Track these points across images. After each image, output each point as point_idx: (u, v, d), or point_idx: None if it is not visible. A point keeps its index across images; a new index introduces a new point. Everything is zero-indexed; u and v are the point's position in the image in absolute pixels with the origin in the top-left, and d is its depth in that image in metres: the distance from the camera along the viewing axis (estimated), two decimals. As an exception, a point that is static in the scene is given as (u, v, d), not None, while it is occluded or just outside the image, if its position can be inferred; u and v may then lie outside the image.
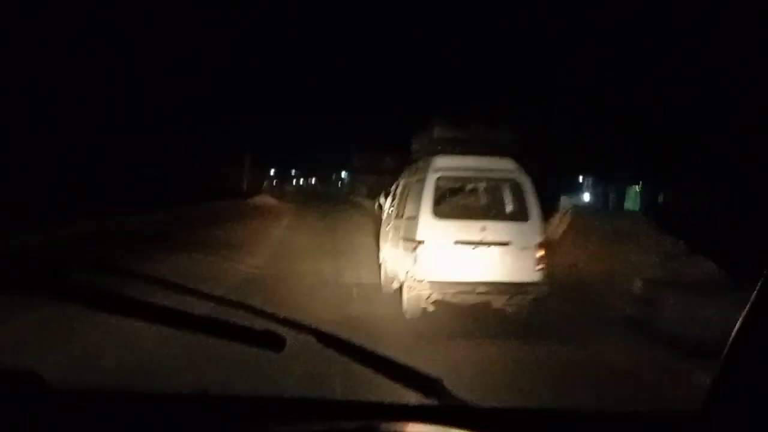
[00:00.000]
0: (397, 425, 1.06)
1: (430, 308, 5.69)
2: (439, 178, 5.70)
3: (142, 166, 22.45)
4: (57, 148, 16.65)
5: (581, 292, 7.42)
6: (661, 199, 22.04)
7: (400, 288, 5.99)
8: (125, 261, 7.26)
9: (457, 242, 5.51)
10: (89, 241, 9.89)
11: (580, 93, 20.59)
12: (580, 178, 26.00)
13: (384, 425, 1.05)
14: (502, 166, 5.90)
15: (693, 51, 16.54)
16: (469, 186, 6.28)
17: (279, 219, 18.53)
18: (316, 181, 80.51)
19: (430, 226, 5.53)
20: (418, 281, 5.49)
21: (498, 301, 5.74)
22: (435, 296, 5.59)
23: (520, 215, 5.73)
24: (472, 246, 5.51)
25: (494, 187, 6.28)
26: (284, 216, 19.92)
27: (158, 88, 22.15)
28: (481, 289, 5.55)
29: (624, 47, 19.11)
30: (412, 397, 1.01)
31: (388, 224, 7.32)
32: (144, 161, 23.09)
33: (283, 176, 64.67)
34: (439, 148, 6.16)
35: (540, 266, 5.52)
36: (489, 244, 5.53)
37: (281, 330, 0.97)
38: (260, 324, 0.99)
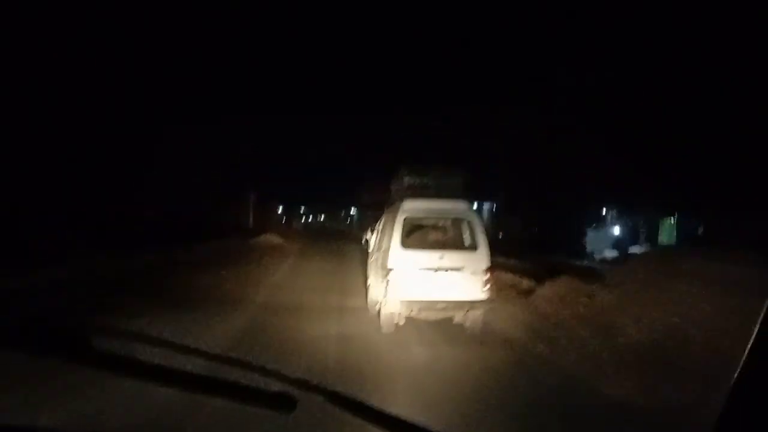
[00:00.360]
0: None
1: (401, 322, 7.08)
2: (405, 218, 7.18)
3: (142, 205, 21.74)
4: (57, 182, 16.46)
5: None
6: (701, 230, 21.10)
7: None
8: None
9: (420, 268, 6.95)
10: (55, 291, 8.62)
11: (597, 121, 20.00)
12: (603, 210, 25.42)
13: None
14: (457, 207, 7.40)
15: (716, 70, 15.69)
16: (431, 223, 7.74)
17: (283, 258, 17.49)
18: (324, 217, 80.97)
19: (398, 256, 6.97)
20: (391, 301, 6.91)
21: (457, 316, 7.14)
22: (404, 313, 6.99)
23: (471, 246, 7.18)
24: (433, 271, 6.95)
25: (450, 224, 7.74)
26: (288, 256, 18.97)
27: (165, 122, 22.31)
28: (441, 306, 6.94)
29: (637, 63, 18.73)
30: None
31: (372, 256, 8.79)
32: (146, 199, 22.43)
33: (292, 213, 65.42)
34: (409, 192, 7.69)
35: (487, 287, 6.93)
36: (446, 269, 6.96)
37: (292, 390, 0.97)
38: (271, 384, 0.98)
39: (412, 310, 6.98)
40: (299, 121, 47.32)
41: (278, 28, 46.84)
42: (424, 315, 7.12)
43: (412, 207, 7.30)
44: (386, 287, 6.94)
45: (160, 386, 1.03)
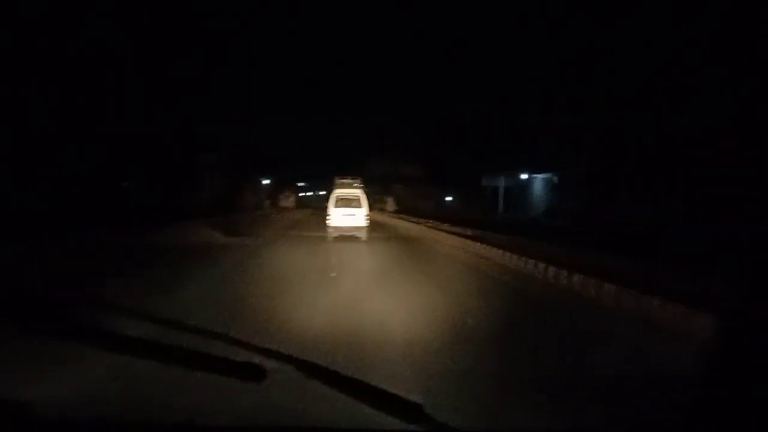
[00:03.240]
0: None
1: (336, 234, 18.65)
2: (336, 195, 18.84)
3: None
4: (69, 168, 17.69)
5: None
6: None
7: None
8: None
9: (341, 214, 18.60)
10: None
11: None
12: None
13: None
14: (354, 191, 19.12)
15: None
16: (345, 196, 19.24)
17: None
18: (325, 193, 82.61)
19: (333, 209, 18.67)
20: (330, 226, 18.58)
21: (357, 233, 18.75)
22: (336, 233, 18.60)
23: (358, 205, 18.77)
24: (346, 215, 18.58)
25: (352, 197, 19.18)
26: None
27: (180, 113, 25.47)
28: (349, 228, 18.61)
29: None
30: (394, 423, 1.03)
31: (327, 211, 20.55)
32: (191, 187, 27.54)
33: (287, 188, 67.89)
34: (337, 185, 19.42)
35: (366, 222, 18.60)
36: (350, 214, 18.59)
37: (262, 360, 1.02)
38: (241, 355, 1.03)
39: (338, 231, 18.60)
40: (303, 120, 54.58)
41: (279, 37, 53.13)
42: (342, 232, 18.72)
43: (338, 191, 18.97)
44: (327, 221, 18.63)
45: (137, 359, 1.09)
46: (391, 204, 49.25)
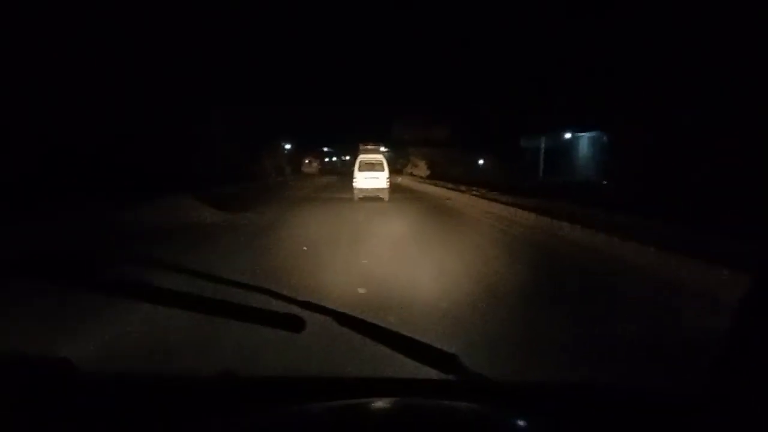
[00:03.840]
0: (418, 400, 1.10)
1: (361, 196, 20.63)
2: (360, 160, 20.78)
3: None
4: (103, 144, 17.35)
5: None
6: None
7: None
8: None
9: (365, 177, 20.54)
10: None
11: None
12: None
13: (405, 401, 1.08)
14: (377, 156, 21.00)
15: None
16: (369, 161, 21.17)
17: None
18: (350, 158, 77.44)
19: (358, 173, 20.61)
20: (356, 188, 20.58)
21: (380, 194, 20.70)
22: (361, 194, 20.59)
23: (381, 169, 20.69)
24: (369, 178, 20.53)
25: (375, 162, 21.09)
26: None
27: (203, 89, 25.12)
28: (372, 190, 20.56)
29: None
30: (430, 373, 1.05)
31: (353, 175, 22.51)
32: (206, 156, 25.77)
33: (313, 154, 66.37)
34: (362, 152, 21.34)
35: (388, 184, 20.54)
36: (374, 177, 20.52)
37: (301, 312, 1.04)
38: (280, 307, 1.05)
39: (363, 192, 20.60)
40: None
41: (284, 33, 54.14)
42: (368, 194, 20.69)
43: (362, 156, 20.89)
44: (354, 184, 20.63)
45: (174, 310, 1.09)
46: (422, 168, 43.06)
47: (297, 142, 54.11)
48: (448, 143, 46.98)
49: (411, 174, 42.52)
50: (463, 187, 24.47)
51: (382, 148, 21.27)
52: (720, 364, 0.85)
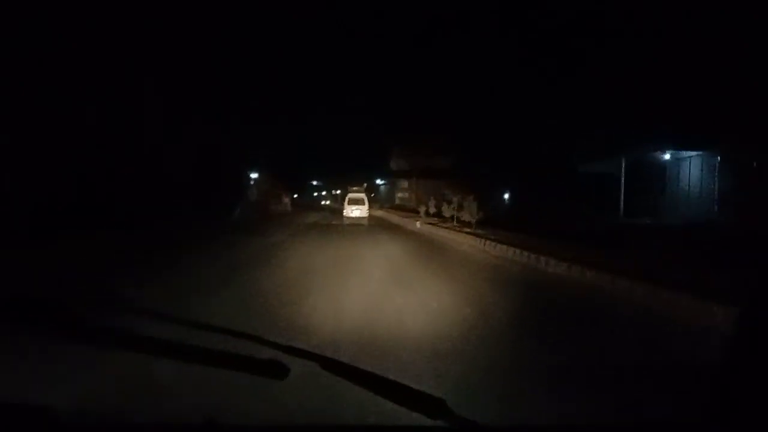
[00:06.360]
0: None
1: (347, 222, 29.57)
2: (348, 196, 30.16)
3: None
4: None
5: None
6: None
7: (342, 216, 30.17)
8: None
9: (351, 208, 29.67)
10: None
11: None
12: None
13: None
14: (360, 195, 30.35)
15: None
16: (354, 197, 30.33)
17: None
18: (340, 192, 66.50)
19: (346, 206, 29.89)
20: (345, 216, 29.64)
21: (361, 221, 29.65)
22: (348, 220, 29.55)
23: (363, 203, 29.88)
24: (354, 209, 29.62)
25: (358, 198, 30.34)
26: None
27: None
28: (358, 219, 29.59)
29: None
30: (418, 419, 1.00)
31: (342, 207, 31.51)
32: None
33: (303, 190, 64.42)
34: (348, 191, 30.64)
35: (367, 213, 29.72)
36: (357, 209, 29.64)
37: (285, 357, 1.01)
38: (264, 353, 1.02)
39: (349, 219, 29.60)
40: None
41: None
42: (352, 221, 29.64)
43: (350, 194, 30.27)
44: (344, 212, 29.80)
45: (151, 358, 1.06)
46: (471, 209, 21.02)
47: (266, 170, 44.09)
48: (455, 173, 37.30)
49: (447, 218, 24.56)
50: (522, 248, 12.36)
51: (363, 189, 30.58)
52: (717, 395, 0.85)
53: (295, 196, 69.14)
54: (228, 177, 30.97)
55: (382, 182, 58.01)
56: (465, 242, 16.94)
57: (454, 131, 39.34)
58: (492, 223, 20.52)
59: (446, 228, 21.24)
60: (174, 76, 23.41)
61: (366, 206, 29.76)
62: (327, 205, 53.58)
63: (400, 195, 46.09)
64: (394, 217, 34.51)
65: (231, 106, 31.63)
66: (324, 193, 71.09)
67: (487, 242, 14.99)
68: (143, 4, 20.77)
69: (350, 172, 54.79)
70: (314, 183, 75.84)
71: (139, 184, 19.56)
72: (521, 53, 28.67)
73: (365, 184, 31.14)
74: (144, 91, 21.49)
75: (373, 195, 52.44)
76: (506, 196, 36.85)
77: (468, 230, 18.99)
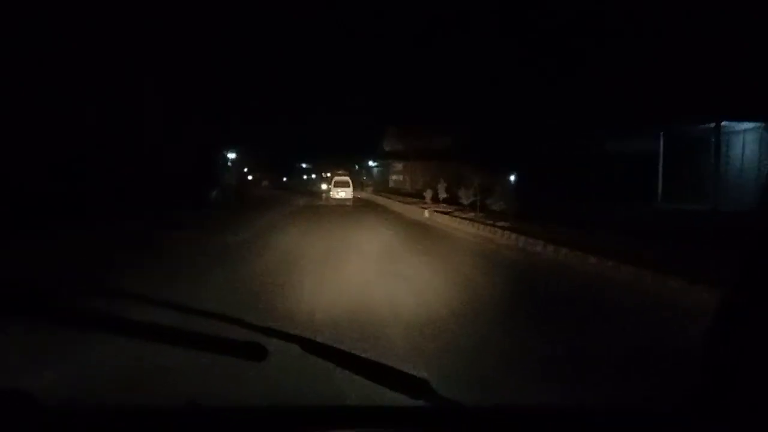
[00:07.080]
0: (387, 430, 1.07)
1: (331, 203, 30.31)
2: (333, 179, 31.13)
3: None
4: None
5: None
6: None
7: (325, 198, 31.23)
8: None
9: (336, 189, 30.54)
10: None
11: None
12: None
13: (373, 431, 1.05)
14: (345, 177, 31.32)
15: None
16: (339, 180, 31.22)
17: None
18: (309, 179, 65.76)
19: (331, 188, 30.77)
20: (327, 196, 30.67)
21: (346, 203, 30.42)
22: (332, 201, 30.31)
23: (348, 186, 30.77)
24: (339, 191, 30.53)
25: (344, 181, 31.17)
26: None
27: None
28: (342, 200, 30.33)
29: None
30: (400, 399, 1.00)
31: (327, 188, 32.49)
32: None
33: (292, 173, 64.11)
34: (334, 174, 31.73)
35: (351, 195, 30.48)
36: (342, 190, 30.51)
37: (264, 339, 1.00)
38: (242, 335, 1.01)
39: (332, 200, 30.41)
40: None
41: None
42: (336, 202, 30.31)
43: (336, 178, 31.25)
44: (327, 193, 30.79)
45: (133, 342, 1.03)
46: (506, 196, 16.58)
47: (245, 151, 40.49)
48: (453, 154, 31.22)
49: (466, 206, 19.43)
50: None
51: (347, 173, 32.05)
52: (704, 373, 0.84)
53: (284, 179, 67.89)
54: (198, 158, 27.15)
55: (375, 164, 54.41)
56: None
57: (454, 131, 34.49)
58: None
59: (476, 222, 14.93)
60: (174, 76, 23.13)
61: (350, 188, 30.66)
62: (318, 190, 41.41)
63: (394, 177, 43.77)
64: (394, 204, 27.41)
65: (231, 106, 31.70)
66: (314, 176, 67.00)
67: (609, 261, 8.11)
68: (143, 4, 20.84)
69: (340, 153, 54.11)
70: (303, 165, 75.08)
71: (138, 184, 19.18)
72: (521, 53, 27.28)
73: (348, 170, 32.54)
74: (144, 91, 21.32)
75: (365, 178, 50.77)
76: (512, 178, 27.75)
77: (507, 225, 13.15)
